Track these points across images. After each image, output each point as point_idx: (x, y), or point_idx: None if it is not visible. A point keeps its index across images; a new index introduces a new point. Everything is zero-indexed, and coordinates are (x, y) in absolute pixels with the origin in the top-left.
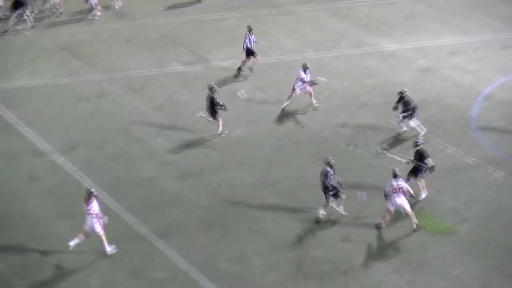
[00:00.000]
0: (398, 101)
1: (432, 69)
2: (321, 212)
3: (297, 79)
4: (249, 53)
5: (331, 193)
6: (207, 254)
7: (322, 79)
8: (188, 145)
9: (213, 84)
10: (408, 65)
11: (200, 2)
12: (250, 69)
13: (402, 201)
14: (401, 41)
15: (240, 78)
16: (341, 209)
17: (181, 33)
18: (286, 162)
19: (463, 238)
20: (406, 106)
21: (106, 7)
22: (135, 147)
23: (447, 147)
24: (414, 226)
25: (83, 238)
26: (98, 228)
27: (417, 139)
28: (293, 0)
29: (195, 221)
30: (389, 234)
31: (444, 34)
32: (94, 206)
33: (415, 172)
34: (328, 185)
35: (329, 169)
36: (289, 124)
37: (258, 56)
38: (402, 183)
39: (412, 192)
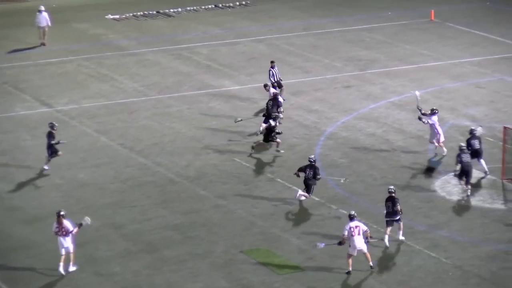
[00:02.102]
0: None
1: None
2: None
3: None
4: (279, 85)
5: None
6: None
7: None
8: (35, 189)
9: (53, 122)
10: (251, 106)
11: (44, 45)
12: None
13: (358, 243)
14: (243, 82)
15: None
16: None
17: (24, 78)
18: (131, 205)
19: (309, 277)
20: None
21: None
22: None
23: (292, 187)
24: (371, 264)
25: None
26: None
27: None
28: (135, 43)
29: (42, 265)
30: (236, 272)
31: (286, 75)
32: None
33: None
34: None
35: None
36: (133, 167)
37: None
38: (357, 223)
39: (369, 234)
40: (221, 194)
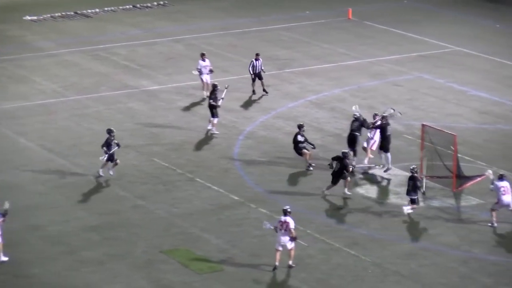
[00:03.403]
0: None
1: (193, 109)
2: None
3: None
4: (259, 77)
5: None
6: None
7: None
8: None
9: None
10: (170, 106)
11: None
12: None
13: (282, 239)
14: (162, 82)
15: None
16: None
17: None
18: (50, 207)
19: (229, 276)
20: None
21: None
22: None
23: (211, 187)
24: (291, 262)
25: None
26: None
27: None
28: (53, 45)
29: None
30: (155, 272)
31: (203, 74)
32: None
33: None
34: None
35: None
36: (53, 169)
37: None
38: (285, 218)
39: (294, 234)
40: (140, 195)
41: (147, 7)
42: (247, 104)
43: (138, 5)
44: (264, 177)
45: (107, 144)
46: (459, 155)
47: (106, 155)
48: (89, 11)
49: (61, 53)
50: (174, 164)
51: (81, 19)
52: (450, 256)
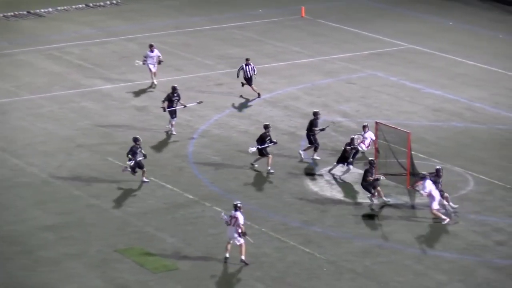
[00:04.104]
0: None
1: (146, 108)
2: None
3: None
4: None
5: None
6: None
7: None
8: None
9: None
10: (123, 105)
11: None
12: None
13: (231, 233)
14: (115, 81)
15: None
16: None
17: None
18: (5, 207)
19: (184, 275)
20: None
21: None
22: None
23: (165, 186)
24: (243, 257)
25: None
26: None
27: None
28: (6, 44)
29: None
30: (111, 271)
31: (158, 73)
32: None
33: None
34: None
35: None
36: (7, 168)
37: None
38: (236, 213)
39: (242, 229)
40: (95, 194)
41: (100, 6)
42: (201, 103)
43: (91, 4)
44: (219, 176)
45: (133, 153)
46: (413, 152)
47: (132, 162)
48: (42, 10)
49: (15, 53)
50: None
51: (34, 19)
52: (405, 254)
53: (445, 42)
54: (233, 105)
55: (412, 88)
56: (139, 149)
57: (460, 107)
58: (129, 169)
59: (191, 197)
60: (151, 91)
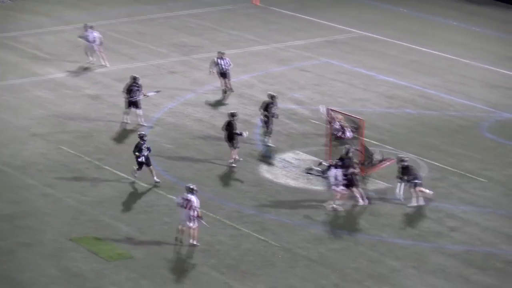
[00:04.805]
0: None
1: (100, 97)
2: None
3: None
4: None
5: None
6: None
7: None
8: None
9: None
10: (77, 93)
11: None
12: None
13: (185, 215)
14: (68, 70)
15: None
16: None
17: None
18: None
19: (139, 263)
20: None
21: None
22: None
23: (119, 174)
24: (193, 242)
25: None
26: None
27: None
28: None
29: None
30: (65, 260)
31: (111, 62)
32: None
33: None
34: None
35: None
36: None
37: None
38: (190, 196)
39: (198, 212)
40: (49, 183)
41: None
42: (155, 89)
43: None
44: (173, 164)
45: (139, 149)
46: (366, 139)
47: (142, 157)
48: None
49: None
50: (82, 152)
51: None
52: (359, 240)
53: (398, 29)
54: (187, 94)
55: (365, 75)
56: (144, 145)
57: (413, 94)
58: (136, 167)
59: (145, 185)
60: (104, 80)
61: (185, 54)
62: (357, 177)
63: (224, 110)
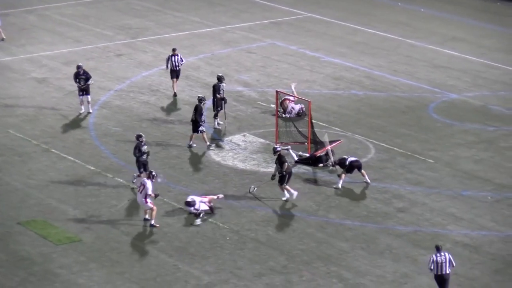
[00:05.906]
0: None
1: (46, 80)
2: None
3: None
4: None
5: None
6: None
7: None
8: None
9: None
10: (23, 77)
11: None
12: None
13: (139, 199)
14: (14, 53)
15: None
16: None
17: None
18: None
19: (87, 247)
20: None
21: None
22: None
23: (66, 157)
24: (152, 222)
25: None
26: None
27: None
28: None
29: None
30: (13, 244)
31: (57, 45)
32: None
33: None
34: None
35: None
36: None
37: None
38: (145, 181)
39: (151, 193)
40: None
41: None
42: (101, 73)
43: None
44: (120, 147)
45: (138, 150)
46: (313, 121)
47: (144, 156)
48: None
49: None
50: (29, 135)
51: None
52: (307, 222)
53: (343, 10)
54: (133, 76)
55: (311, 57)
56: (143, 146)
57: (359, 75)
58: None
59: (92, 168)
60: (50, 63)
61: (131, 36)
62: (286, 176)
63: (170, 92)
